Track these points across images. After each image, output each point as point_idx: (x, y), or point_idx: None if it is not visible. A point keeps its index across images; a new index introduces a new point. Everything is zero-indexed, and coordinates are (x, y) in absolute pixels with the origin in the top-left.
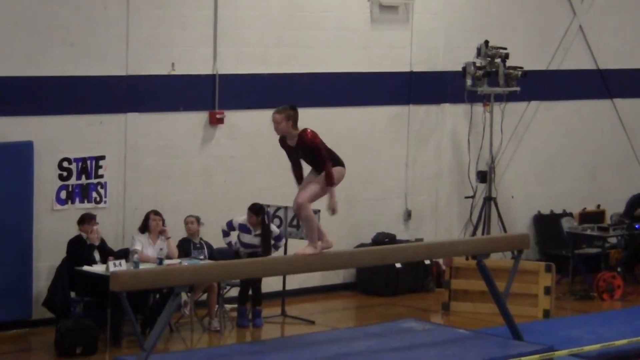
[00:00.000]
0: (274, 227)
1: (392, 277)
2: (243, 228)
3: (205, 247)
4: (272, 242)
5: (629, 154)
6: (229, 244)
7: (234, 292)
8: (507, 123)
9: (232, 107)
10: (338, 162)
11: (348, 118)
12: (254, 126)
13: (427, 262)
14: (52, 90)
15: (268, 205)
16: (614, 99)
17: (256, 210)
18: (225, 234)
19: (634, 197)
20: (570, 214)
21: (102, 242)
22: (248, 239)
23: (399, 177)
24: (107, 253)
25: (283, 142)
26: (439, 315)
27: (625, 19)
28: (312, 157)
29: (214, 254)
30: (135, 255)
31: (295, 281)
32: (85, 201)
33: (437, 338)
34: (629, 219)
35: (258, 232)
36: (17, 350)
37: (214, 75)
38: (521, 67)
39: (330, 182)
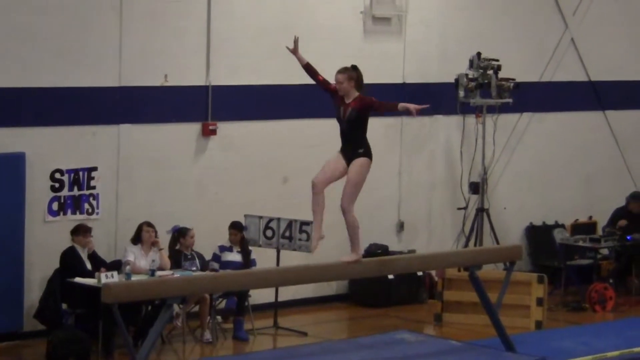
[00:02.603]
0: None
1: (384, 288)
2: (224, 248)
3: (197, 258)
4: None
5: (620, 166)
6: (214, 269)
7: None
8: (500, 134)
9: (225, 119)
10: (370, 154)
11: None
12: (247, 137)
13: (420, 273)
14: (44, 101)
15: (261, 217)
16: (606, 111)
17: (239, 226)
18: (217, 258)
19: (617, 210)
20: (563, 226)
21: (94, 253)
22: (231, 256)
23: (392, 188)
24: (98, 264)
25: (340, 100)
26: (432, 327)
27: (617, 31)
28: (361, 120)
29: (206, 266)
30: (128, 267)
31: (288, 292)
32: (78, 212)
33: (430, 349)
34: (620, 231)
35: (238, 249)
36: None
37: (206, 87)
38: (513, 79)
39: (393, 107)
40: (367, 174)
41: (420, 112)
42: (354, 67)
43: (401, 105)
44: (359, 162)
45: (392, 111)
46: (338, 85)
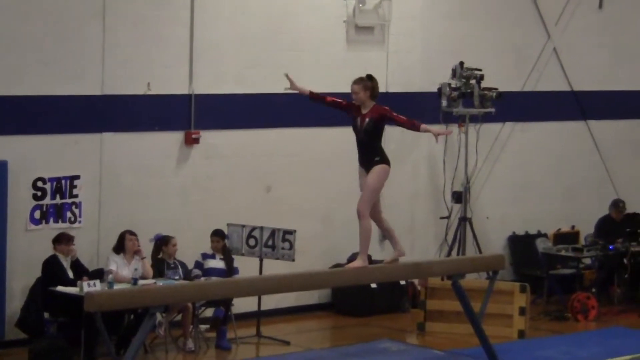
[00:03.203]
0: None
1: (367, 297)
2: (206, 256)
3: (179, 267)
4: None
5: (603, 175)
6: (197, 276)
7: (208, 312)
8: (482, 144)
9: (208, 127)
10: (387, 160)
11: (325, 138)
12: (230, 146)
13: (403, 282)
14: (27, 109)
15: (243, 225)
16: (588, 121)
17: (221, 234)
18: (199, 265)
19: (602, 219)
20: (545, 235)
21: (77, 261)
22: (213, 263)
23: None
24: (81, 272)
25: (356, 111)
26: (414, 336)
27: (599, 41)
28: (377, 130)
29: (189, 274)
30: (110, 276)
31: (271, 301)
32: (60, 221)
33: (412, 359)
34: (603, 240)
35: (221, 257)
36: None
37: (189, 95)
38: (496, 88)
39: (414, 126)
40: (385, 180)
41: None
42: (369, 77)
43: (423, 127)
44: (377, 168)
45: (411, 130)
46: (354, 96)
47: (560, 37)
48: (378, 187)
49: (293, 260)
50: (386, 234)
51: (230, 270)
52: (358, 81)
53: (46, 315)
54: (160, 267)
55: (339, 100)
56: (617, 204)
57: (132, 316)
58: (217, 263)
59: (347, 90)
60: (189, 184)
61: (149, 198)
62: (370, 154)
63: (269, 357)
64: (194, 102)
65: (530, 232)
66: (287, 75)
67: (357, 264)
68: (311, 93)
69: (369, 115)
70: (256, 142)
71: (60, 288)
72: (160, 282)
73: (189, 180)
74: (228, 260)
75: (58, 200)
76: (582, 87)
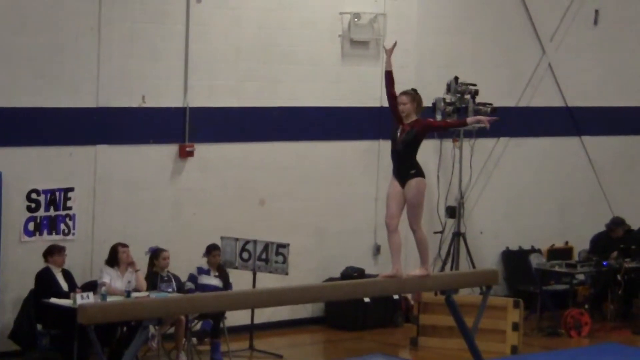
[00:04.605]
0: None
1: (360, 311)
2: (202, 271)
3: (173, 280)
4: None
5: (596, 191)
6: (190, 290)
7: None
8: (476, 159)
9: (202, 140)
10: (422, 173)
11: (318, 152)
12: (224, 159)
13: (396, 297)
14: (21, 121)
15: (237, 239)
16: (582, 137)
17: (219, 247)
18: (193, 278)
19: (598, 236)
20: (539, 250)
21: (67, 271)
22: (208, 280)
23: (369, 212)
24: (71, 282)
25: (399, 121)
26: (407, 350)
27: (594, 57)
28: (416, 142)
29: (182, 287)
30: (103, 288)
31: (264, 315)
32: (54, 233)
33: None
34: (596, 256)
35: (216, 273)
36: None
37: (184, 108)
38: (490, 104)
39: (461, 124)
40: (424, 192)
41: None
42: (416, 91)
43: (470, 119)
44: (414, 182)
45: (460, 127)
46: (402, 107)
47: (555, 53)
48: (420, 201)
49: (286, 273)
50: (418, 247)
51: (227, 287)
52: (408, 92)
53: (39, 327)
54: (153, 279)
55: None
56: (619, 223)
57: (125, 329)
58: (212, 280)
59: (342, 104)
60: (183, 197)
61: (142, 211)
62: (407, 166)
63: None
64: (188, 115)
65: (524, 247)
66: (395, 43)
67: (418, 272)
68: (390, 72)
69: (411, 127)
70: (250, 156)
71: (53, 300)
72: (154, 295)
73: (183, 193)
74: (224, 277)
75: (52, 212)
76: (576, 103)
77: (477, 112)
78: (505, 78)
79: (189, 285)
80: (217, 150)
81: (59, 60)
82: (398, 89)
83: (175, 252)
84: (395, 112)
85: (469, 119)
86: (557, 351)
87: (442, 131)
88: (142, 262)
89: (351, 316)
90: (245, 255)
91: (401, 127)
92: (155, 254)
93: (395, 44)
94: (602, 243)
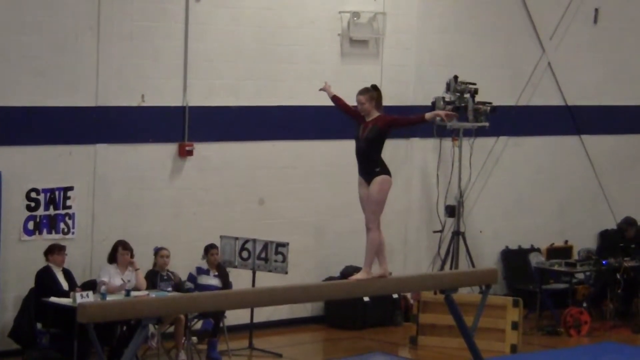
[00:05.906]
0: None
1: (360, 310)
2: (201, 271)
3: (172, 278)
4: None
5: (596, 190)
6: (189, 289)
7: (201, 324)
8: (476, 158)
9: (201, 139)
10: (387, 171)
11: (318, 151)
12: (224, 158)
13: (396, 296)
14: (21, 120)
15: (236, 238)
16: (582, 135)
17: (217, 246)
18: (192, 278)
19: (608, 234)
20: (538, 250)
21: (67, 270)
22: (208, 280)
23: None
24: (72, 281)
25: (361, 119)
26: (407, 349)
27: (593, 56)
28: (379, 139)
29: (181, 286)
30: (103, 287)
31: (263, 314)
32: (53, 232)
33: None
34: (606, 253)
35: (216, 273)
36: None
37: (183, 107)
38: (490, 103)
39: (418, 119)
40: (388, 190)
41: (397, 135)
42: (374, 87)
43: (428, 115)
44: (378, 180)
45: (418, 124)
46: (360, 106)
47: (555, 52)
48: (381, 198)
49: (286, 272)
50: (366, 247)
51: (226, 287)
52: (364, 91)
53: (39, 326)
54: (153, 278)
55: (351, 106)
56: (632, 222)
57: (124, 327)
58: (212, 280)
59: None
60: (183, 196)
61: (142, 210)
62: (371, 164)
63: None
64: (187, 114)
65: (524, 246)
66: (326, 83)
67: (360, 276)
68: (335, 97)
69: (373, 124)
70: (250, 155)
71: (53, 299)
72: (153, 294)
73: (183, 192)
74: (224, 276)
75: (51, 211)
76: (576, 102)
77: (476, 111)
78: (504, 77)
79: (189, 285)
80: (217, 150)
81: (59, 59)
82: (398, 88)
83: (175, 251)
84: (352, 115)
85: (427, 115)
86: (556, 350)
87: (403, 128)
88: (142, 261)
89: (351, 315)
90: (244, 254)
91: (362, 125)
92: (155, 252)
93: (328, 85)
94: (614, 242)
